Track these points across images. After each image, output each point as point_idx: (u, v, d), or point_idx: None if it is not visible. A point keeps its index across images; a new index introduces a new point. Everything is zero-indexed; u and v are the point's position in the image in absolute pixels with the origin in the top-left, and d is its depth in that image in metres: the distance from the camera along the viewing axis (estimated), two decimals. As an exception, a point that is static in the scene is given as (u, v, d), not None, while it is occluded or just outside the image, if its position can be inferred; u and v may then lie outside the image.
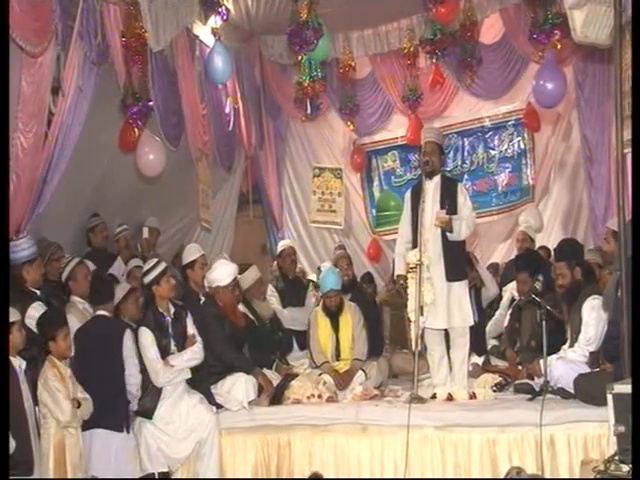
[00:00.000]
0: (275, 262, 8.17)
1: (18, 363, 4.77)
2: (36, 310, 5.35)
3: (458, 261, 6.17)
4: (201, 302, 6.50)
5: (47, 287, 6.01)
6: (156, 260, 5.96)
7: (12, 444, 4.34)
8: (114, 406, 5.40)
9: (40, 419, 5.03)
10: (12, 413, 4.25)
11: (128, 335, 5.57)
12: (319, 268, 8.24)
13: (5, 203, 4.76)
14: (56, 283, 6.16)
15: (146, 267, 5.90)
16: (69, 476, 5.03)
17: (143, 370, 5.65)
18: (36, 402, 4.99)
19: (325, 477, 5.30)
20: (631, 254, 4.17)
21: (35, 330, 5.19)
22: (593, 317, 5.68)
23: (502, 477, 4.89)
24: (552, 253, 7.14)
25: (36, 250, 5.70)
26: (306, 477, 5.35)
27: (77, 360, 5.39)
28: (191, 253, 6.55)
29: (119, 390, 5.50)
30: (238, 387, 5.93)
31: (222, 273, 6.32)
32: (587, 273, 6.01)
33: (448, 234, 6.03)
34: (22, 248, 5.50)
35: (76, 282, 6.03)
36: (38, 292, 5.64)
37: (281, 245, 8.27)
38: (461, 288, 6.13)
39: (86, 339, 5.40)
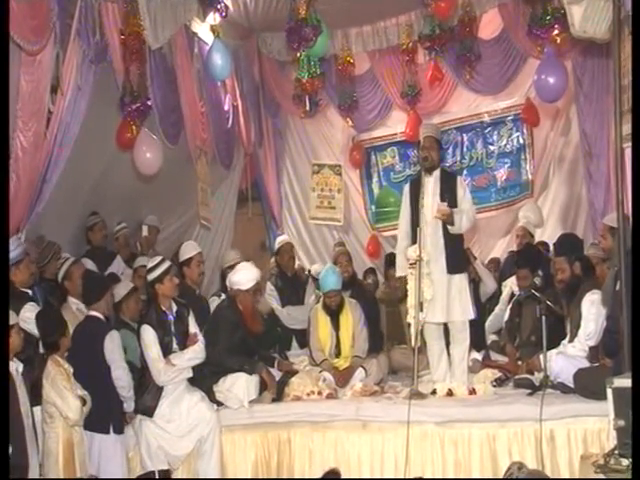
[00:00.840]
0: (273, 259, 8.13)
1: (15, 367, 4.74)
2: (29, 311, 5.25)
3: (458, 254, 6.18)
4: (222, 299, 6.51)
5: (46, 286, 6.01)
6: (160, 258, 5.89)
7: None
8: (97, 409, 5.22)
9: (46, 418, 5.01)
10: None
11: (110, 337, 5.39)
12: (309, 271, 8.20)
13: (5, 203, 4.73)
14: (55, 282, 6.15)
15: (150, 264, 5.83)
16: (78, 474, 5.01)
17: (145, 368, 5.64)
18: (33, 404, 4.95)
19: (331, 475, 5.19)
20: (630, 248, 4.16)
21: (29, 331, 5.11)
22: (592, 312, 5.69)
23: (503, 472, 4.89)
24: (551, 248, 7.14)
25: (24, 250, 5.54)
26: (306, 475, 5.32)
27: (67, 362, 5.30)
28: (187, 250, 6.53)
29: (103, 393, 5.32)
30: (239, 385, 5.92)
31: (244, 277, 6.24)
32: (586, 268, 6.02)
33: (449, 227, 6.02)
34: (10, 250, 5.23)
35: (71, 282, 5.98)
36: (29, 292, 5.55)
37: (279, 241, 8.16)
38: (461, 281, 6.13)
39: (75, 341, 5.30)
